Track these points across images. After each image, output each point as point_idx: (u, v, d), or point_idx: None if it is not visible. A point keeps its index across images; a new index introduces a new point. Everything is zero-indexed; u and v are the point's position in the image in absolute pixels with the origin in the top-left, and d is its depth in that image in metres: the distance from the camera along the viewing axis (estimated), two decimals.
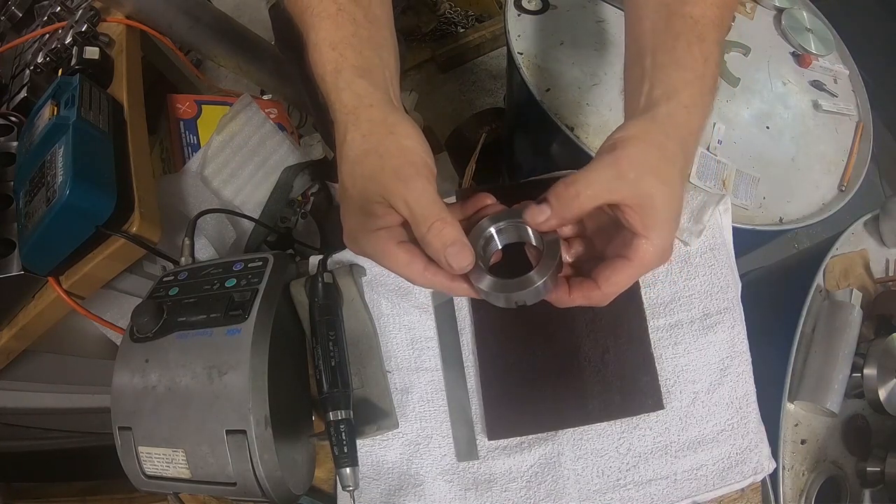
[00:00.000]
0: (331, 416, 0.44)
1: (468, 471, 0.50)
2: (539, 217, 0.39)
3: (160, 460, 0.42)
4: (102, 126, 0.60)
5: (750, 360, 0.51)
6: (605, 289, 0.39)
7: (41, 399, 0.82)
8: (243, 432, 0.40)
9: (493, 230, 0.40)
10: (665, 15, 0.45)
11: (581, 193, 0.37)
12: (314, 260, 0.55)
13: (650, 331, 0.51)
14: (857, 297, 0.64)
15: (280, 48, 0.84)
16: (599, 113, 0.76)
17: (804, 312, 0.64)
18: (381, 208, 0.38)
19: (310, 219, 0.90)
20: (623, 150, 0.37)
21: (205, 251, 0.68)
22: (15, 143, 0.66)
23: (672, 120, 0.40)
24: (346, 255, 0.55)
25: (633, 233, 0.38)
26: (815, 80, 0.88)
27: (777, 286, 0.81)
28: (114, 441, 0.43)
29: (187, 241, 0.56)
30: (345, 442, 0.44)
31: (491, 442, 0.50)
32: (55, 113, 0.58)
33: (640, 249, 0.38)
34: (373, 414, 0.49)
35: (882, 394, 0.60)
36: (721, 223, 0.54)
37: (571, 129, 0.74)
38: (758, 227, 0.72)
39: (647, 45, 0.45)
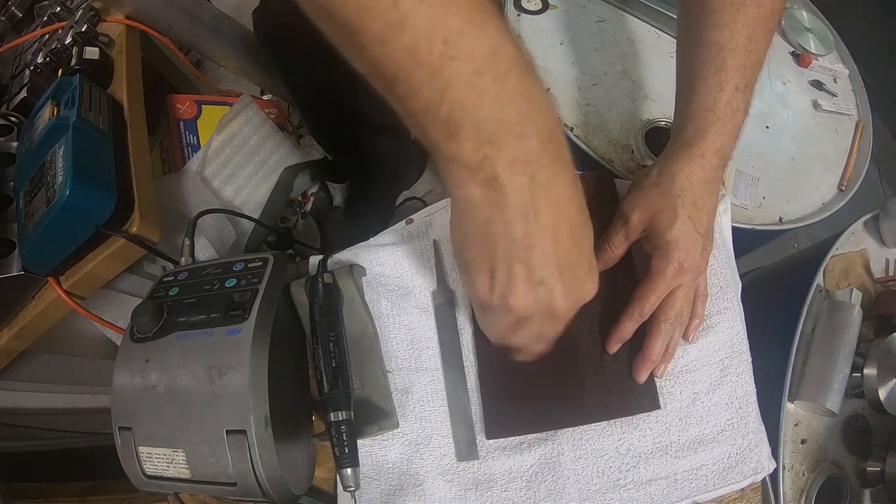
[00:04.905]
0: (331, 416, 0.44)
1: (468, 471, 0.50)
2: None
3: (160, 460, 0.42)
4: (102, 126, 0.60)
5: (750, 360, 0.51)
6: (634, 302, 0.48)
7: (41, 399, 0.82)
8: (243, 432, 0.40)
9: None
10: (696, 44, 0.50)
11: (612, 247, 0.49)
12: (314, 260, 0.55)
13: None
14: (857, 297, 0.64)
15: (265, 52, 0.85)
16: (599, 113, 0.76)
17: (804, 312, 0.64)
18: None
19: (310, 219, 0.90)
20: (630, 196, 0.49)
21: (205, 251, 0.68)
22: (15, 144, 0.66)
23: (673, 156, 0.48)
24: (345, 255, 0.55)
25: (648, 254, 0.48)
26: (814, 80, 0.88)
27: (777, 286, 0.81)
28: (114, 441, 0.43)
29: (187, 242, 0.56)
30: (346, 442, 0.44)
31: (491, 442, 0.50)
32: (55, 113, 0.58)
33: (651, 266, 0.48)
34: (373, 414, 0.49)
35: (882, 394, 0.60)
36: (721, 223, 0.54)
37: (571, 129, 0.74)
38: (757, 227, 0.72)
39: (679, 79, 0.52)
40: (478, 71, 0.28)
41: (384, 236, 0.57)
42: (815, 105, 0.85)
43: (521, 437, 0.50)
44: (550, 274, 0.35)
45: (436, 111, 0.29)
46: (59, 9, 0.75)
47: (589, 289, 0.38)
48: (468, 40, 0.28)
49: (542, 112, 0.31)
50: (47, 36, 0.75)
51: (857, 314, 0.63)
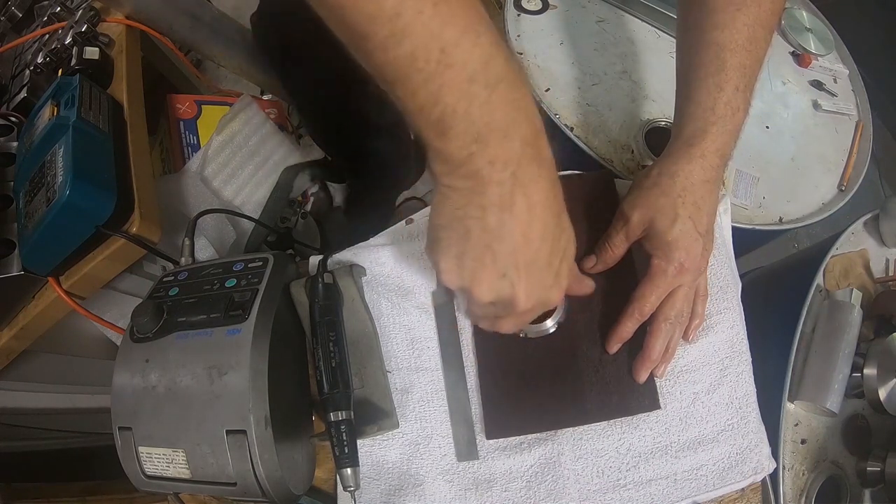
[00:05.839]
0: (332, 416, 0.44)
1: (468, 471, 0.50)
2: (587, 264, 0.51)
3: (160, 460, 0.42)
4: (102, 126, 0.60)
5: (750, 360, 0.51)
6: (634, 302, 0.48)
7: (41, 399, 0.82)
8: (243, 432, 0.40)
9: None
10: (696, 44, 0.51)
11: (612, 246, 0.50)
12: (314, 260, 0.55)
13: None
14: (857, 296, 0.64)
15: (262, 56, 0.85)
16: (599, 113, 0.76)
17: (804, 312, 0.64)
18: None
19: (310, 219, 0.90)
20: (630, 196, 0.50)
21: (205, 251, 0.68)
22: (15, 144, 0.66)
23: (673, 156, 0.48)
24: (345, 255, 0.55)
25: (648, 254, 0.49)
26: (814, 80, 0.88)
27: (777, 286, 0.81)
28: (114, 441, 0.43)
29: (187, 242, 0.56)
30: (346, 442, 0.44)
31: (491, 442, 0.50)
32: (55, 113, 0.58)
33: (651, 266, 0.48)
34: (373, 414, 0.49)
35: (882, 394, 0.60)
36: (721, 223, 0.54)
37: (571, 129, 0.74)
38: (757, 227, 0.72)
39: (679, 79, 0.52)
40: (470, 79, 0.30)
41: (384, 236, 0.57)
42: (815, 105, 0.85)
43: (521, 437, 0.50)
44: (515, 268, 0.35)
45: (429, 113, 0.31)
46: (59, 9, 0.75)
47: (553, 295, 0.38)
48: (463, 51, 0.30)
49: (528, 118, 0.33)
50: (47, 36, 0.74)
51: (857, 314, 0.63)
